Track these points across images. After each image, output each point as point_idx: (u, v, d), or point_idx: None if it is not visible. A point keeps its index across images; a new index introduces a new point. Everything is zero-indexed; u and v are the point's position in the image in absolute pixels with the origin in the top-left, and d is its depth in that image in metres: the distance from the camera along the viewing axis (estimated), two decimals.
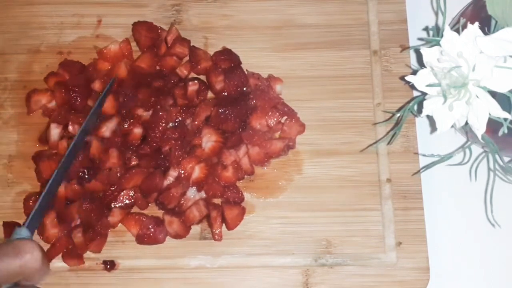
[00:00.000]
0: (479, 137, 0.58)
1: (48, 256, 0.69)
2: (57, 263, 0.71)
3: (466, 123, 0.59)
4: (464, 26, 0.58)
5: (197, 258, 0.71)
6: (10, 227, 0.71)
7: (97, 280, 0.71)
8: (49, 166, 0.72)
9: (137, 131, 0.73)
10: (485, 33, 0.57)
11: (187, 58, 0.78)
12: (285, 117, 0.75)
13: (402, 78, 0.76)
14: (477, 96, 0.58)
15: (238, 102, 0.74)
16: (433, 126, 0.73)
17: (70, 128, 0.73)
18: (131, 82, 0.75)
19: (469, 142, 0.71)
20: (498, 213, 0.68)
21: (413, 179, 0.73)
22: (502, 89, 0.56)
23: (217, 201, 0.73)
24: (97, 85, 0.76)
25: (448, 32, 0.59)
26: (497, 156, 0.62)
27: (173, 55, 0.77)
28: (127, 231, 0.72)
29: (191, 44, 0.78)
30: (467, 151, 0.68)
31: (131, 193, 0.72)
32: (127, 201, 0.72)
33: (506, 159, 0.64)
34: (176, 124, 0.74)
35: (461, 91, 0.58)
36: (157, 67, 0.78)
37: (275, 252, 0.71)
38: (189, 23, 0.81)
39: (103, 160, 0.71)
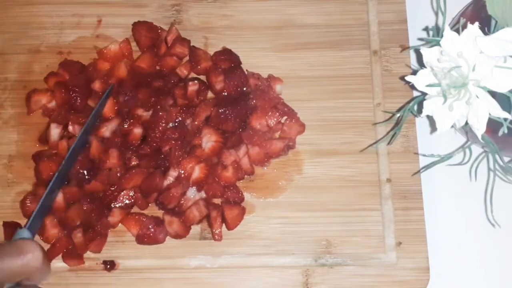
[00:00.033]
0: (479, 137, 0.58)
1: (48, 256, 0.69)
2: (57, 263, 0.71)
3: (466, 123, 0.59)
4: (464, 26, 0.58)
5: (197, 258, 0.71)
6: (10, 227, 0.71)
7: (97, 280, 0.71)
8: (49, 166, 0.72)
9: (137, 131, 0.73)
10: (485, 33, 0.57)
11: (187, 58, 0.78)
12: (285, 117, 0.75)
13: (402, 78, 0.76)
14: (477, 96, 0.58)
15: (238, 102, 0.74)
16: (433, 126, 0.73)
17: (70, 128, 0.73)
18: (131, 82, 0.75)
19: (469, 142, 0.71)
20: (498, 213, 0.68)
21: (413, 179, 0.73)
22: (502, 89, 0.56)
23: (217, 201, 0.73)
24: (97, 85, 0.76)
25: (448, 32, 0.59)
26: (497, 156, 0.62)
27: (173, 55, 0.77)
28: (127, 231, 0.72)
29: (191, 44, 0.78)
30: (467, 151, 0.68)
31: (131, 193, 0.72)
32: (127, 201, 0.72)
33: (506, 159, 0.64)
34: (176, 124, 0.74)
35: (461, 91, 0.58)
36: (157, 67, 0.78)
37: (275, 252, 0.71)
38: (189, 23, 0.81)
39: (103, 161, 0.71)
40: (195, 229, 0.72)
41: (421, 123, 0.77)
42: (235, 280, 0.71)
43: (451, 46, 0.58)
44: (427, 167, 0.68)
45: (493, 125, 0.58)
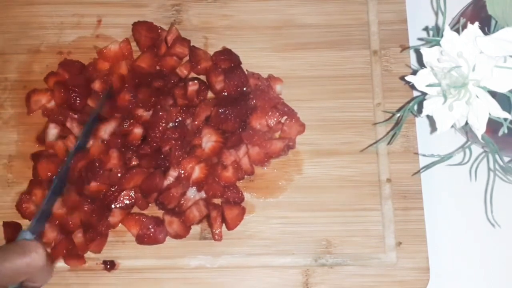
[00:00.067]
0: (479, 137, 0.58)
1: (50, 259, 0.69)
2: (58, 263, 0.71)
3: (466, 123, 0.59)
4: (464, 26, 0.58)
5: (197, 258, 0.71)
6: (10, 227, 0.71)
7: (97, 280, 0.71)
8: (47, 166, 0.72)
9: (137, 131, 0.73)
10: (485, 33, 0.57)
11: (187, 58, 0.78)
12: (285, 117, 0.75)
13: (402, 78, 0.76)
14: (477, 96, 0.58)
15: (238, 102, 0.74)
16: (433, 126, 0.73)
17: (68, 124, 0.73)
18: (131, 82, 0.75)
19: (469, 142, 0.71)
20: (498, 213, 0.68)
21: (413, 179, 0.73)
22: (502, 89, 0.56)
23: (217, 201, 0.73)
24: (97, 85, 0.76)
25: (448, 32, 0.59)
26: (497, 156, 0.62)
27: (173, 55, 0.77)
28: (127, 231, 0.72)
29: (191, 44, 0.78)
30: (467, 151, 0.68)
31: (132, 193, 0.72)
32: (127, 202, 0.72)
33: (506, 159, 0.64)
34: (176, 124, 0.74)
35: (461, 91, 0.58)
36: (157, 67, 0.78)
37: (275, 252, 0.71)
38: (189, 23, 0.81)
39: (103, 161, 0.71)
40: (195, 229, 0.72)
41: (421, 123, 0.77)
42: (235, 280, 0.71)
43: (451, 46, 0.58)
44: (427, 167, 0.68)
45: (493, 125, 0.58)
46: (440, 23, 0.79)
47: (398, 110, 0.75)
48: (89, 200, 0.70)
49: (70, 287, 0.70)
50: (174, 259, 0.71)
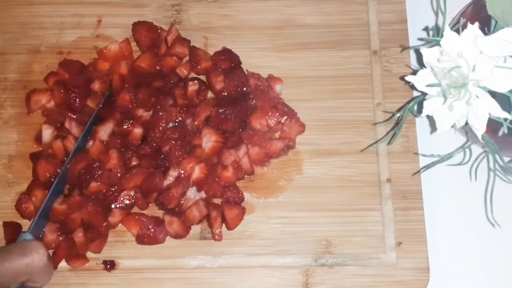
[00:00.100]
0: (479, 137, 0.58)
1: (53, 262, 0.69)
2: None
3: (466, 123, 0.59)
4: (464, 26, 0.58)
5: (197, 258, 0.71)
6: (10, 227, 0.71)
7: (97, 280, 0.71)
8: (46, 166, 0.72)
9: (137, 131, 0.73)
10: (485, 33, 0.57)
11: (187, 58, 0.78)
12: (285, 117, 0.75)
13: (402, 78, 0.76)
14: (477, 96, 0.58)
15: (238, 102, 0.74)
16: (433, 126, 0.73)
17: (67, 124, 0.73)
18: (131, 82, 0.75)
19: (469, 142, 0.71)
20: (498, 213, 0.68)
21: (413, 179, 0.73)
22: (502, 89, 0.56)
23: (217, 201, 0.73)
24: (96, 86, 0.76)
25: (448, 32, 0.59)
26: (497, 156, 0.62)
27: (173, 55, 0.77)
28: (127, 231, 0.72)
29: (191, 44, 0.78)
30: (467, 151, 0.68)
31: (132, 193, 0.72)
32: (127, 202, 0.72)
33: (506, 159, 0.64)
34: (176, 124, 0.74)
35: (461, 91, 0.58)
36: (157, 67, 0.78)
37: (275, 252, 0.71)
38: (189, 23, 0.81)
39: (103, 162, 0.71)
40: (195, 229, 0.72)
41: (421, 123, 0.77)
42: (235, 280, 0.70)
43: (451, 46, 0.58)
44: (427, 167, 0.68)
45: (493, 125, 0.58)
46: (440, 23, 0.79)
47: (398, 110, 0.75)
48: (92, 200, 0.70)
49: (70, 287, 0.70)
50: (174, 259, 0.71)
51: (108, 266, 0.71)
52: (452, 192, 0.76)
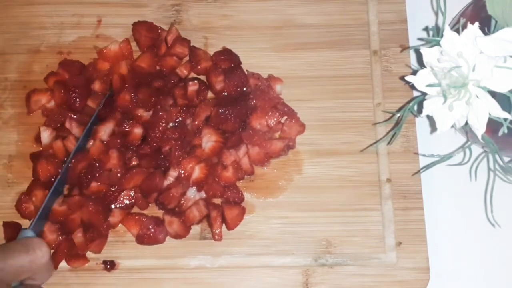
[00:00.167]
0: (479, 137, 0.58)
1: (53, 262, 0.69)
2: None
3: (466, 123, 0.59)
4: (464, 26, 0.58)
5: (197, 258, 0.71)
6: (10, 227, 0.71)
7: (97, 280, 0.71)
8: (46, 166, 0.72)
9: (137, 131, 0.73)
10: (485, 33, 0.57)
11: (187, 58, 0.78)
12: (285, 117, 0.75)
13: (402, 78, 0.76)
14: (477, 96, 0.58)
15: (238, 102, 0.74)
16: (433, 126, 0.73)
17: (67, 125, 0.73)
18: (131, 82, 0.75)
19: (469, 142, 0.71)
20: (498, 213, 0.68)
21: (413, 179, 0.73)
22: (502, 89, 0.56)
23: (217, 201, 0.73)
24: (97, 86, 0.76)
25: (448, 32, 0.59)
26: (497, 156, 0.62)
27: (173, 55, 0.77)
28: (127, 231, 0.72)
29: (191, 44, 0.78)
30: (467, 151, 0.68)
31: (132, 193, 0.72)
32: (127, 202, 0.72)
33: (506, 159, 0.64)
34: (176, 124, 0.74)
35: (461, 91, 0.58)
36: (157, 67, 0.78)
37: (275, 252, 0.71)
38: (189, 23, 0.81)
39: (103, 161, 0.71)
40: (195, 229, 0.72)
41: (421, 123, 0.77)
42: (235, 280, 0.70)
43: (451, 46, 0.58)
44: (427, 167, 0.68)
45: (493, 125, 0.58)
46: (440, 23, 0.79)
47: (398, 110, 0.75)
48: (93, 200, 0.70)
49: (70, 287, 0.70)
50: (174, 259, 0.71)
51: (108, 266, 0.71)
52: (452, 192, 0.76)
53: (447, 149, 0.74)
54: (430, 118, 0.72)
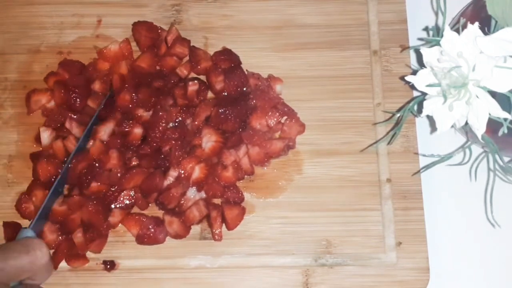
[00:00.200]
0: (479, 137, 0.58)
1: (53, 262, 0.69)
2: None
3: (466, 123, 0.59)
4: (464, 26, 0.58)
5: (197, 258, 0.71)
6: (10, 227, 0.71)
7: (97, 280, 0.71)
8: (47, 167, 0.72)
9: (137, 131, 0.73)
10: (485, 33, 0.57)
11: (187, 58, 0.78)
12: (285, 117, 0.75)
13: (402, 78, 0.76)
14: (477, 96, 0.58)
15: (238, 102, 0.74)
16: (433, 126, 0.73)
17: (67, 125, 0.73)
18: (131, 82, 0.75)
19: (469, 142, 0.71)
20: (498, 213, 0.68)
21: (413, 179, 0.73)
22: (502, 89, 0.56)
23: (217, 201, 0.73)
24: (97, 86, 0.76)
25: (448, 32, 0.59)
26: (497, 156, 0.62)
27: (173, 55, 0.77)
28: (127, 231, 0.72)
29: (191, 44, 0.78)
30: (467, 151, 0.68)
31: (132, 193, 0.72)
32: (127, 202, 0.72)
33: (506, 159, 0.64)
34: (176, 124, 0.74)
35: (461, 91, 0.58)
36: (157, 67, 0.78)
37: (275, 252, 0.71)
38: (189, 23, 0.81)
39: (103, 162, 0.71)
40: (195, 229, 0.72)
41: (421, 123, 0.77)
42: (235, 280, 0.70)
43: (451, 46, 0.58)
44: (427, 167, 0.68)
45: (493, 125, 0.58)
46: (440, 23, 0.79)
47: (398, 110, 0.75)
48: (93, 200, 0.70)
49: (70, 287, 0.70)
50: (174, 259, 0.71)
51: (108, 266, 0.71)
52: (452, 192, 0.76)
53: (447, 149, 0.74)
54: (430, 118, 0.72)
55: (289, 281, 0.70)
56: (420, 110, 0.62)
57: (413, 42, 0.79)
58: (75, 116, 0.74)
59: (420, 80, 0.61)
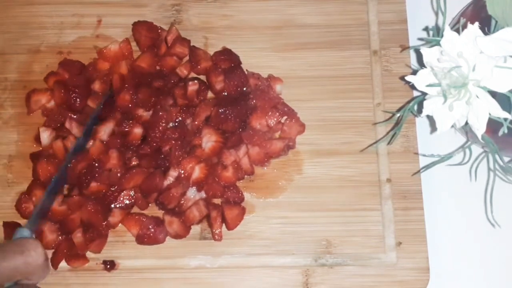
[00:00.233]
0: (479, 137, 0.58)
1: (53, 263, 0.69)
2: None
3: (466, 123, 0.59)
4: (464, 26, 0.58)
5: (197, 258, 0.71)
6: (10, 227, 0.71)
7: (97, 280, 0.71)
8: (46, 166, 0.72)
9: (137, 131, 0.73)
10: (485, 33, 0.57)
11: (187, 58, 0.78)
12: (285, 117, 0.75)
13: (402, 78, 0.76)
14: (477, 96, 0.58)
15: (238, 102, 0.74)
16: (433, 126, 0.73)
17: (67, 125, 0.73)
18: (131, 82, 0.75)
19: (469, 142, 0.71)
20: (498, 213, 0.68)
21: (413, 179, 0.73)
22: (502, 89, 0.56)
23: (217, 201, 0.73)
24: (97, 86, 0.76)
25: (448, 32, 0.59)
26: (497, 156, 0.62)
27: (173, 55, 0.77)
28: (127, 231, 0.72)
29: (191, 44, 0.78)
30: (467, 151, 0.68)
31: (132, 193, 0.72)
32: (127, 202, 0.72)
33: (506, 159, 0.64)
34: (176, 124, 0.74)
35: (461, 91, 0.58)
36: (157, 67, 0.78)
37: (275, 252, 0.71)
38: (189, 23, 0.81)
39: (103, 161, 0.71)
40: (195, 229, 0.72)
41: (421, 123, 0.77)
42: (235, 280, 0.70)
43: (451, 46, 0.58)
44: (427, 167, 0.68)
45: (493, 125, 0.58)
46: (440, 23, 0.79)
47: (398, 110, 0.75)
48: (93, 200, 0.70)
49: (70, 287, 0.70)
50: (174, 259, 0.71)
51: (108, 266, 0.71)
52: (452, 192, 0.76)
53: (447, 149, 0.73)
54: (430, 118, 0.72)
55: (289, 281, 0.70)
56: (420, 110, 0.62)
57: (413, 42, 0.79)
58: (75, 116, 0.74)
59: (420, 80, 0.61)
